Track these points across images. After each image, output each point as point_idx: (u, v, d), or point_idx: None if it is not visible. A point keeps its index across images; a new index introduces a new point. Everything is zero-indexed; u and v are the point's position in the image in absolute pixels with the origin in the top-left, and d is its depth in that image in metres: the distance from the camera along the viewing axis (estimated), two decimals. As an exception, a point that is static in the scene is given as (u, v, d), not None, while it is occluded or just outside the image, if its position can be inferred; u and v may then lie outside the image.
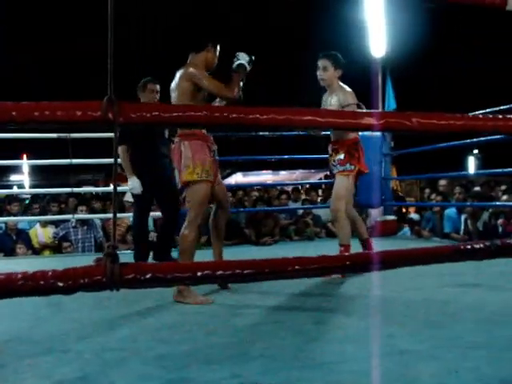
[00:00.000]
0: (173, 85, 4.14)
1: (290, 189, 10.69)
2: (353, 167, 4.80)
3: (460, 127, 1.54)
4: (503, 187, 8.55)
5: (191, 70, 3.98)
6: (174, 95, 4.11)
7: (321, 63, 4.83)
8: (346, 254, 4.44)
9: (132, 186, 5.58)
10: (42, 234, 8.20)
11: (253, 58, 4.12)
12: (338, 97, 4.79)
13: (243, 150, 10.31)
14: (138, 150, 5.55)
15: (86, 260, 5.97)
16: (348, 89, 4.86)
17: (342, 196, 4.82)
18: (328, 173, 5.13)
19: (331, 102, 4.81)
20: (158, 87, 5.58)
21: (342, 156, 4.80)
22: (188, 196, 4.09)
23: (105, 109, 1.23)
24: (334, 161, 4.86)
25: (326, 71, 4.83)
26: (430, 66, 21.43)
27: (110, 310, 3.66)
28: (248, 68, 4.08)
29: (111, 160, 6.61)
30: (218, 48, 4.23)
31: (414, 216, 9.37)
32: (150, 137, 5.54)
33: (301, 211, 9.43)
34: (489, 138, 6.67)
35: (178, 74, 4.08)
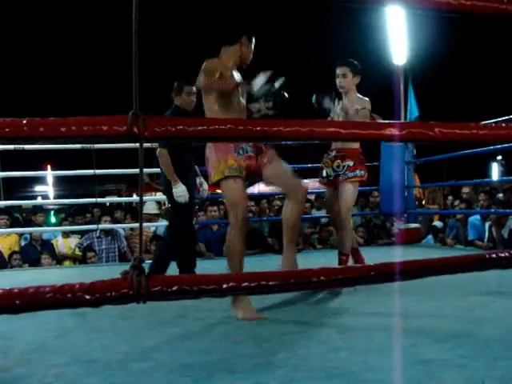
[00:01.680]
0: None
1: (313, 197, 10.64)
2: (363, 173, 4.79)
3: (483, 136, 1.53)
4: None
5: (201, 80, 3.86)
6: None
7: (340, 70, 4.81)
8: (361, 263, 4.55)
9: (180, 193, 5.14)
10: (62, 244, 8.27)
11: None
12: (355, 102, 4.78)
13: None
14: (178, 155, 5.22)
15: (111, 270, 6.00)
16: (365, 98, 4.87)
17: (350, 202, 4.81)
18: (321, 179, 5.03)
19: (348, 107, 4.74)
20: (194, 89, 5.29)
21: (351, 163, 4.76)
22: (224, 197, 4.10)
23: (130, 123, 1.25)
24: (339, 167, 4.79)
25: (345, 78, 4.80)
26: (451, 73, 21.33)
27: (135, 319, 3.68)
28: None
29: (134, 170, 6.66)
30: (254, 41, 4.04)
31: (437, 223, 9.31)
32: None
33: (324, 220, 9.40)
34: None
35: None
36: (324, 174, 4.95)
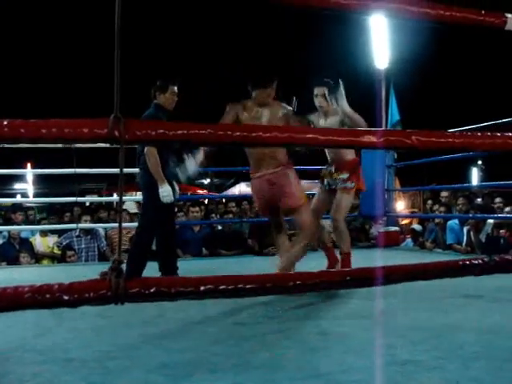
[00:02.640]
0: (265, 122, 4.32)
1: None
2: (353, 185, 5.10)
3: (459, 145, 1.56)
4: (498, 199, 8.56)
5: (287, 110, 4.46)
6: None
7: (319, 91, 5.02)
8: (347, 266, 4.85)
9: (166, 193, 5.10)
10: (40, 243, 8.23)
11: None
12: (339, 115, 4.98)
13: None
14: (164, 155, 5.18)
15: (90, 269, 6.01)
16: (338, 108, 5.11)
17: (343, 208, 5.12)
18: (323, 186, 5.35)
19: (331, 121, 5.00)
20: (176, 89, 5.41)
21: (345, 175, 5.06)
22: (304, 215, 4.59)
23: (111, 126, 1.26)
24: (337, 179, 5.11)
25: (324, 98, 5.01)
26: (432, 78, 21.50)
27: (113, 318, 3.68)
28: None
29: (115, 170, 6.63)
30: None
31: (416, 227, 9.39)
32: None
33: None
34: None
35: (270, 114, 4.38)
36: (325, 182, 5.30)
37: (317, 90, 5.02)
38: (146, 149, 5.05)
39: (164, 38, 21.53)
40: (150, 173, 5.11)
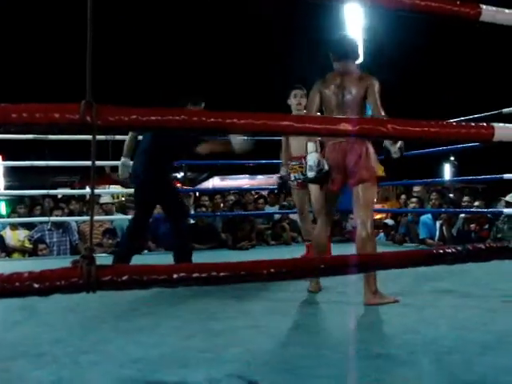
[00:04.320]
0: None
1: (266, 193, 10.70)
2: None
3: (434, 134, 1.56)
4: (466, 198, 8.65)
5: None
6: None
7: (301, 91, 5.52)
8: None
9: (124, 165, 5.30)
10: (10, 236, 8.12)
11: None
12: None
13: (221, 153, 10.32)
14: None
15: (62, 263, 5.93)
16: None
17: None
18: (291, 182, 5.70)
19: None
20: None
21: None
22: (370, 191, 4.12)
23: (83, 112, 1.23)
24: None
25: (303, 98, 5.43)
26: (409, 72, 21.62)
27: (85, 313, 3.64)
28: None
29: (88, 162, 6.57)
30: None
31: (388, 221, 9.43)
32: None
33: (278, 216, 9.45)
34: (465, 145, 6.77)
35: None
36: (292, 178, 5.61)
37: (299, 91, 5.54)
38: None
39: (139, 23, 21.38)
40: (163, 166, 5.23)
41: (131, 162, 5.36)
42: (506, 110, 6.99)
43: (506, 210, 7.03)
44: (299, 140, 5.40)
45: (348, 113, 4.04)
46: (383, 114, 3.92)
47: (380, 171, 4.25)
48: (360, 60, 4.37)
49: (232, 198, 10.19)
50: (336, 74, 4.21)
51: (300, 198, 5.80)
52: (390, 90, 4.19)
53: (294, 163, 5.64)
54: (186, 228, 5.50)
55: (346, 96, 4.12)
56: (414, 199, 9.14)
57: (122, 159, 5.34)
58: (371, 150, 4.10)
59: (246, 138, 5.02)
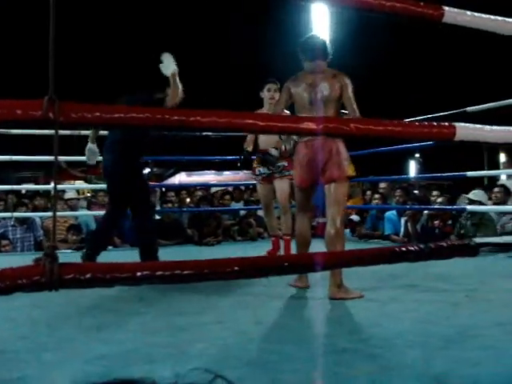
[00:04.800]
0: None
1: (231, 189, 10.72)
2: (291, 173, 5.19)
3: (396, 133, 1.58)
4: (435, 192, 8.79)
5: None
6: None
7: (274, 86, 5.66)
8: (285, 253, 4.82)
9: (91, 151, 5.23)
10: None
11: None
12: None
13: (187, 149, 10.32)
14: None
15: (26, 259, 5.87)
16: None
17: (288, 195, 5.63)
18: (256, 177, 5.82)
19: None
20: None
21: (285, 163, 5.53)
22: (341, 189, 4.17)
23: (46, 108, 1.22)
24: (275, 167, 5.59)
25: (277, 92, 5.52)
26: (375, 71, 21.80)
27: (49, 309, 3.61)
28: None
29: (52, 157, 6.43)
30: None
31: (354, 217, 9.50)
32: None
33: (244, 212, 9.47)
34: (429, 142, 6.85)
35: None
36: (257, 172, 5.76)
37: (272, 85, 5.68)
38: None
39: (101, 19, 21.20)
40: (132, 159, 5.07)
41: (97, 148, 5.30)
42: (470, 109, 7.09)
43: (470, 207, 7.14)
44: (266, 136, 5.49)
45: (321, 111, 4.10)
46: (358, 113, 3.99)
47: (351, 170, 4.32)
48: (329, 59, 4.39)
49: (200, 193, 10.19)
50: (307, 73, 4.29)
51: (265, 192, 5.85)
52: (357, 89, 4.24)
53: (259, 157, 5.71)
54: (152, 225, 5.38)
55: (319, 94, 4.18)
56: (377, 195, 9.28)
57: (89, 145, 5.26)
58: (342, 148, 4.14)
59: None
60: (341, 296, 3.89)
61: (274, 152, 5.47)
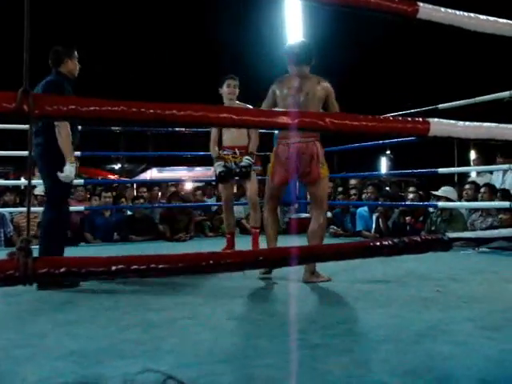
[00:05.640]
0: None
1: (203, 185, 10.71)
2: (260, 167, 5.87)
3: (371, 128, 1.59)
4: (412, 189, 8.87)
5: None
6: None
7: (235, 81, 5.73)
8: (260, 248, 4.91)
9: (72, 172, 4.56)
10: None
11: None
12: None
13: (159, 145, 10.29)
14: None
15: (-5, 255, 5.80)
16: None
17: (256, 188, 5.79)
18: (222, 171, 5.77)
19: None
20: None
21: (252, 158, 5.63)
22: (323, 190, 4.61)
23: (19, 101, 1.20)
24: (243, 162, 5.64)
25: (236, 88, 5.72)
26: (350, 68, 21.90)
27: (20, 305, 3.58)
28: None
29: (23, 152, 6.30)
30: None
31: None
32: None
33: (215, 208, 9.47)
34: (401, 139, 6.91)
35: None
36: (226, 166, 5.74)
37: (232, 81, 5.70)
38: (56, 122, 4.46)
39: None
40: (55, 149, 4.50)
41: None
42: (441, 106, 7.18)
43: (441, 204, 7.21)
44: (232, 131, 5.65)
45: None
46: None
47: (326, 170, 4.60)
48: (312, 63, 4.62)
49: (173, 189, 10.19)
50: (293, 77, 4.55)
51: (228, 189, 5.95)
52: (334, 86, 4.38)
53: (225, 152, 5.75)
54: (54, 221, 4.62)
55: (303, 97, 4.46)
56: (352, 191, 9.36)
57: (71, 166, 4.58)
58: (321, 150, 4.50)
59: None
60: (312, 280, 4.34)
61: (245, 162, 5.58)
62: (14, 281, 1.21)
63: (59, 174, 4.46)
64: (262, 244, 5.28)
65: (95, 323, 3.10)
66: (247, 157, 5.57)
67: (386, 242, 1.67)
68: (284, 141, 4.51)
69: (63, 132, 4.48)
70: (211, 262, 1.36)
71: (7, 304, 3.57)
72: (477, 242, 4.21)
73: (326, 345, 2.57)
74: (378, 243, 1.68)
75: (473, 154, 18.50)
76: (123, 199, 9.14)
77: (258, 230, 5.77)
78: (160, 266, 1.31)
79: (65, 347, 2.57)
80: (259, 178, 5.93)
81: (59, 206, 4.65)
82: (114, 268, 1.26)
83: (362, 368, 2.22)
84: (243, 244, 5.69)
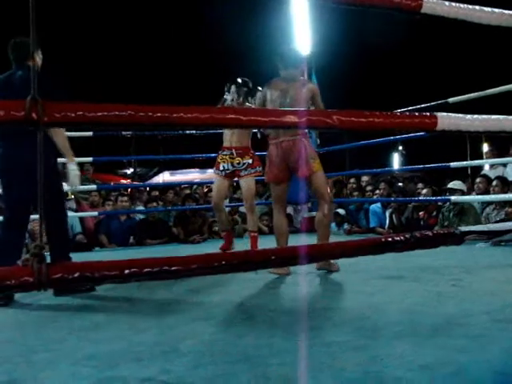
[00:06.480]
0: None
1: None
2: (260, 169, 5.79)
3: (379, 124, 1.59)
4: (420, 185, 8.86)
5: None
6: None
7: (236, 89, 5.75)
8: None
9: (77, 170, 4.36)
10: None
11: None
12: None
13: (170, 148, 10.33)
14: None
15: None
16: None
17: (253, 190, 5.88)
18: (219, 172, 5.89)
19: None
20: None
21: (250, 160, 5.76)
22: (320, 182, 4.85)
23: (28, 108, 1.22)
24: (240, 164, 5.74)
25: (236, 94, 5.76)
26: (356, 63, 21.88)
27: (37, 311, 3.60)
28: None
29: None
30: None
31: (340, 211, 9.53)
32: None
33: (228, 209, 9.48)
34: (412, 134, 6.91)
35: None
36: (221, 168, 5.82)
37: (235, 89, 5.74)
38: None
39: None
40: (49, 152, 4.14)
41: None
42: (451, 100, 7.15)
43: (453, 198, 7.18)
44: (230, 132, 5.77)
45: None
46: None
47: (317, 165, 4.82)
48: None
49: (187, 191, 10.25)
50: (281, 80, 4.82)
51: (222, 188, 5.94)
52: (342, 82, 4.50)
53: (224, 153, 5.84)
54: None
55: (288, 99, 4.70)
56: (368, 188, 9.37)
57: (74, 165, 4.42)
58: (309, 147, 4.80)
59: None
60: (325, 266, 4.66)
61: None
62: (29, 287, 1.23)
63: (70, 173, 4.23)
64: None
65: (112, 327, 3.12)
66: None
67: (398, 238, 1.67)
68: (274, 141, 4.76)
69: (60, 132, 4.22)
70: (223, 262, 1.37)
71: (25, 310, 3.60)
72: (489, 235, 4.22)
73: (341, 342, 2.57)
74: (390, 239, 1.69)
75: (485, 147, 18.42)
76: (138, 203, 9.19)
77: (256, 234, 5.82)
78: (173, 268, 1.32)
79: (82, 351, 2.59)
80: (258, 179, 5.95)
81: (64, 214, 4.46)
82: (127, 271, 1.27)
83: (378, 364, 2.22)
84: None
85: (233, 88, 5.75)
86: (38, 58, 4.39)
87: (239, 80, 5.78)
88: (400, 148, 29.16)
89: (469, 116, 1.80)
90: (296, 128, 1.53)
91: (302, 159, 4.68)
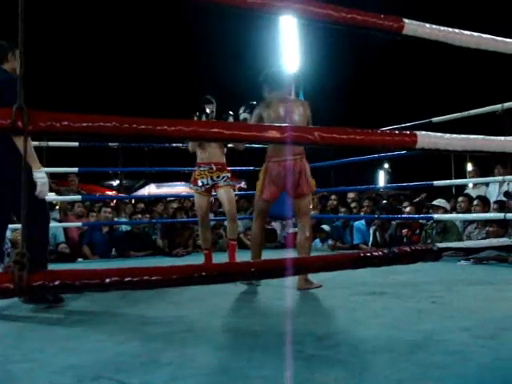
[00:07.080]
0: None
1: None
2: (236, 184, 6.12)
3: (360, 141, 1.62)
4: (406, 203, 8.94)
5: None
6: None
7: (212, 107, 5.84)
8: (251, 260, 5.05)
9: (45, 178, 4.01)
10: None
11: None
12: None
13: (157, 161, 10.33)
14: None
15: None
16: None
17: (234, 201, 5.94)
18: (198, 188, 5.89)
19: None
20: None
21: (228, 174, 5.85)
22: (308, 202, 5.00)
23: (14, 117, 1.23)
24: (219, 177, 5.79)
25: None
26: (345, 82, 22.02)
27: (17, 321, 3.59)
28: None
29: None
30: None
31: (325, 227, 9.56)
32: None
33: (213, 223, 9.48)
34: (396, 152, 6.98)
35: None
36: (200, 183, 5.81)
37: (212, 107, 5.85)
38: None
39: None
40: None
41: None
42: (435, 119, 7.25)
43: (436, 216, 7.25)
44: (208, 148, 5.79)
45: None
46: None
47: (313, 185, 4.98)
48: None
49: (174, 205, 10.24)
50: (277, 101, 4.87)
51: (204, 203, 5.92)
52: (329, 101, 4.58)
53: (202, 169, 5.83)
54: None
55: (288, 120, 4.78)
56: (353, 204, 9.41)
57: (42, 172, 4.08)
58: (307, 166, 4.88)
59: None
60: (306, 286, 4.59)
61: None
62: (9, 293, 1.23)
63: (37, 181, 3.95)
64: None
65: (92, 337, 3.11)
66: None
67: (377, 253, 1.70)
68: (274, 159, 4.81)
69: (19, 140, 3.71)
70: (203, 273, 1.39)
71: (3, 320, 3.58)
72: (466, 252, 4.26)
73: (322, 356, 2.59)
74: (369, 254, 1.71)
75: (470, 167, 18.53)
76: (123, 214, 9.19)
77: (234, 243, 5.86)
78: (153, 278, 1.33)
79: (62, 361, 2.58)
80: (242, 193, 6.05)
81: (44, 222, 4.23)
82: (107, 280, 1.28)
83: (357, 378, 2.24)
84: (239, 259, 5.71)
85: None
86: (14, 60, 4.18)
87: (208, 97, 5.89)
88: (386, 166, 29.27)
89: (447, 135, 1.83)
90: (278, 143, 1.55)
91: (304, 178, 4.80)
